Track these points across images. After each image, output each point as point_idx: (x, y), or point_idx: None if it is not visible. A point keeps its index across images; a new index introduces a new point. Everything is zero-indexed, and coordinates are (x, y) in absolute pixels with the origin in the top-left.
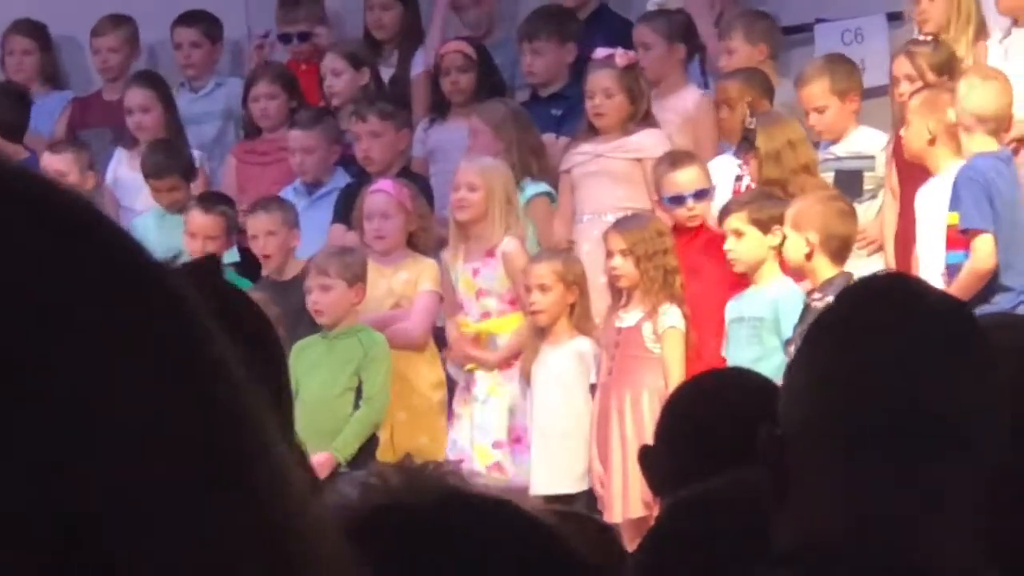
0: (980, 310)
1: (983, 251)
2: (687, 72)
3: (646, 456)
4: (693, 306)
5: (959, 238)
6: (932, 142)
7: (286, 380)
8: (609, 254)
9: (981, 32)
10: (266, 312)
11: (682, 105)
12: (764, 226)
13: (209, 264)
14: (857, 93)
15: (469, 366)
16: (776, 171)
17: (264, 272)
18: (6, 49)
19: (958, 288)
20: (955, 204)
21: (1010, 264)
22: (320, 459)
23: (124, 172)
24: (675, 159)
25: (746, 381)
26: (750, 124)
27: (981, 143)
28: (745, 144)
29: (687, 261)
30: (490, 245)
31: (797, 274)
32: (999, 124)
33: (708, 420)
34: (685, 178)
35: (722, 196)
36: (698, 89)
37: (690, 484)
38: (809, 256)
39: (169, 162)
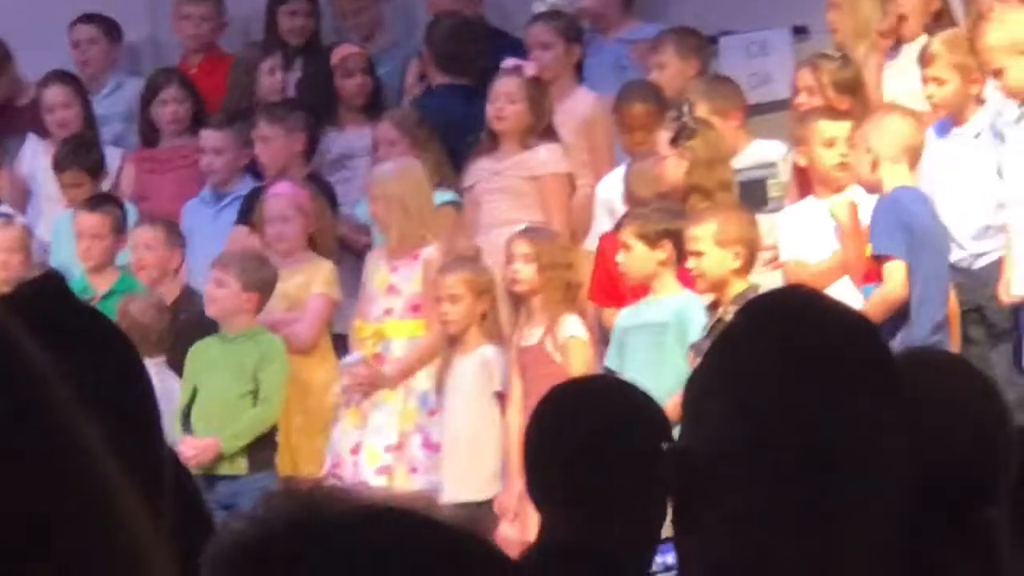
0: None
1: (895, 278)
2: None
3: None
4: None
5: (876, 270)
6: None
7: (145, 389)
8: (510, 259)
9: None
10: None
11: (577, 109)
12: (651, 241)
13: (51, 282)
14: (739, 110)
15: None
16: (706, 178)
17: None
18: None
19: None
20: (871, 234)
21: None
22: (205, 442)
23: (41, 161)
24: None
25: (584, 393)
26: (685, 119)
27: (897, 174)
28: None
29: None
30: (415, 248)
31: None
32: (910, 156)
33: (552, 448)
34: None
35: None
36: (591, 92)
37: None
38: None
39: (76, 157)
